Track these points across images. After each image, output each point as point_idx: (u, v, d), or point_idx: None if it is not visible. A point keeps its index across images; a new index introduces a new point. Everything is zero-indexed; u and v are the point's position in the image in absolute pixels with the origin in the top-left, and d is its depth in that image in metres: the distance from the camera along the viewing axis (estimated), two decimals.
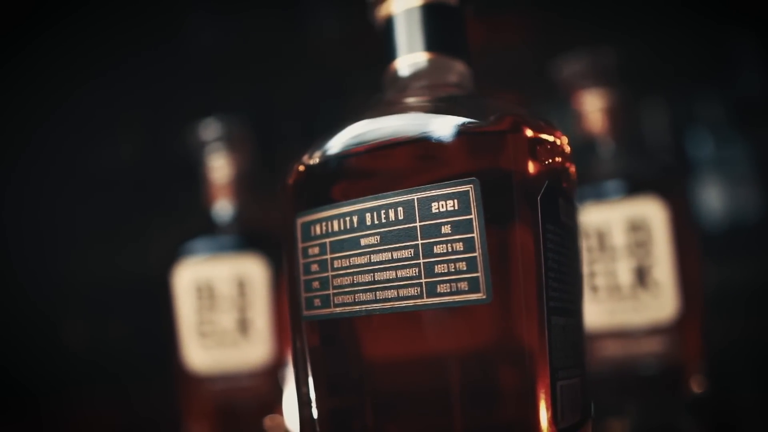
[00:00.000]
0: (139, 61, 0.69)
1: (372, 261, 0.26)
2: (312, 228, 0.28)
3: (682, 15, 0.68)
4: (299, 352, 0.28)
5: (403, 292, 0.25)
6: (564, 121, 0.54)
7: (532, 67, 0.64)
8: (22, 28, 0.66)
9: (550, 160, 0.26)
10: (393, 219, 0.25)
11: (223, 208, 0.54)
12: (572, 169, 0.29)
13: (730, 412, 0.49)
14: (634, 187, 0.48)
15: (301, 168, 0.29)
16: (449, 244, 0.24)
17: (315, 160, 0.28)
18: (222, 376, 0.50)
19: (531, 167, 0.25)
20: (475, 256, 0.24)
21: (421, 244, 0.25)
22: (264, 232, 0.53)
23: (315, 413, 0.27)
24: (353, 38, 0.68)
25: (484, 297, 0.24)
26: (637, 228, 0.47)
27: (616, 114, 0.51)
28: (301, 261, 0.28)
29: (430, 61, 0.31)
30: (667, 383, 0.46)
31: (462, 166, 0.25)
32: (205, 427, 0.50)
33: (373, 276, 0.26)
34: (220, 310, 0.50)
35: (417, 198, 0.25)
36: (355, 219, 0.26)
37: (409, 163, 0.26)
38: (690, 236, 0.48)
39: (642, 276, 0.46)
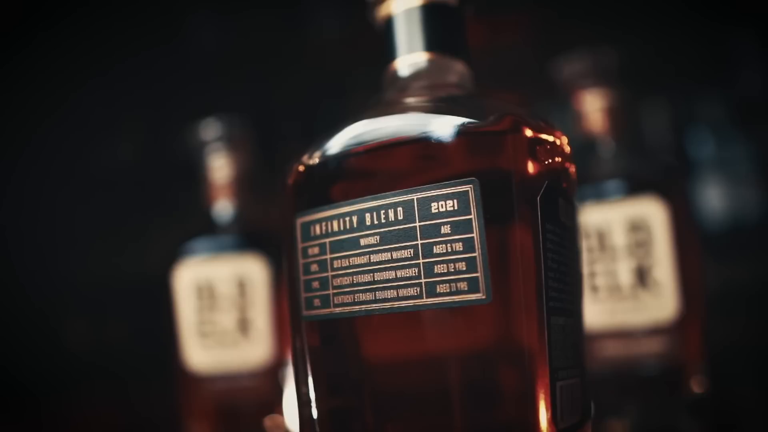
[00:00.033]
0: (140, 61, 0.69)
1: (372, 261, 0.26)
2: (312, 228, 0.27)
3: (683, 14, 0.68)
4: (299, 352, 0.28)
5: (402, 292, 0.25)
6: (564, 120, 0.54)
7: (532, 67, 0.64)
8: (22, 28, 0.66)
9: (550, 160, 0.26)
10: (393, 219, 0.25)
11: (223, 208, 0.54)
12: (572, 169, 0.29)
13: (730, 413, 0.49)
14: (635, 187, 0.48)
15: (301, 168, 0.29)
16: (449, 245, 0.24)
17: (315, 160, 0.28)
18: (222, 376, 0.50)
19: (530, 167, 0.25)
20: (475, 257, 0.24)
21: (421, 244, 0.25)
22: (264, 232, 0.53)
23: (315, 413, 0.27)
24: (354, 38, 0.68)
25: (483, 297, 0.24)
26: (637, 228, 0.47)
27: (616, 114, 0.51)
28: (301, 261, 0.28)
29: (430, 61, 0.30)
30: (667, 383, 0.46)
31: (461, 166, 0.25)
32: (206, 427, 0.50)
33: (373, 276, 0.26)
34: (220, 310, 0.50)
35: (416, 198, 0.25)
36: (354, 219, 0.26)
37: (408, 163, 0.26)
38: (690, 236, 0.48)
39: (642, 276, 0.46)
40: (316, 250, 0.27)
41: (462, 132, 0.25)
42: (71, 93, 0.68)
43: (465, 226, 0.24)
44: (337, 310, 0.26)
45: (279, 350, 0.50)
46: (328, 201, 0.27)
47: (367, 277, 0.26)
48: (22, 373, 0.64)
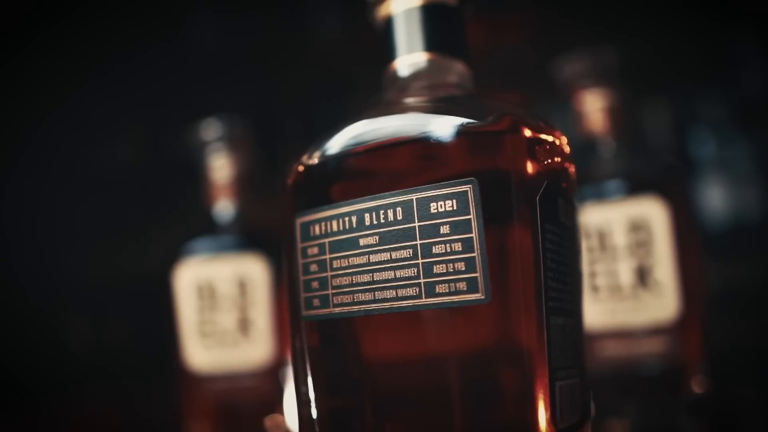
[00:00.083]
0: (140, 61, 0.69)
1: (371, 261, 0.26)
2: (311, 228, 0.27)
3: (684, 14, 0.68)
4: (298, 352, 0.28)
5: (401, 293, 0.25)
6: (565, 120, 0.54)
7: (533, 67, 0.64)
8: (22, 28, 0.66)
9: (549, 160, 0.26)
10: (392, 219, 0.25)
11: (224, 208, 0.54)
12: (572, 169, 0.28)
13: (731, 413, 0.49)
14: (635, 187, 0.48)
15: (301, 168, 0.29)
16: (448, 245, 0.24)
17: (314, 160, 0.28)
18: (223, 376, 0.50)
19: (530, 167, 0.25)
20: (474, 257, 0.24)
21: (420, 244, 0.25)
22: (265, 232, 0.53)
23: (314, 413, 0.27)
24: (355, 38, 0.68)
25: (482, 297, 0.24)
26: (638, 228, 0.47)
27: (617, 114, 0.51)
28: (301, 261, 0.28)
29: (430, 62, 0.30)
30: (668, 383, 0.46)
31: (461, 167, 0.25)
32: (206, 427, 0.50)
33: (372, 276, 0.26)
34: (220, 309, 0.50)
35: (416, 198, 0.25)
36: (354, 219, 0.26)
37: (407, 163, 0.26)
38: (691, 236, 0.48)
39: (643, 276, 0.46)
40: (315, 250, 0.27)
41: (461, 132, 0.25)
42: (71, 93, 0.68)
43: (464, 226, 0.24)
44: (337, 310, 0.26)
45: (279, 350, 0.50)
46: (328, 201, 0.27)
47: (366, 277, 0.26)
48: (23, 373, 0.64)
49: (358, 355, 0.27)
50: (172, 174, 0.72)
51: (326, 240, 0.27)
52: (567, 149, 0.28)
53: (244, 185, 0.55)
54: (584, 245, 0.47)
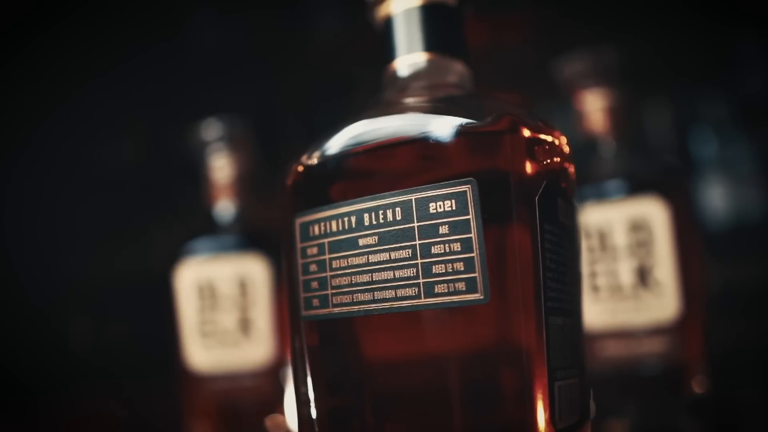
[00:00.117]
0: (141, 61, 0.69)
1: (370, 261, 0.26)
2: (311, 228, 0.27)
3: (685, 14, 0.68)
4: (298, 352, 0.28)
5: (401, 293, 0.25)
6: (565, 120, 0.54)
7: (533, 67, 0.64)
8: (22, 28, 0.66)
9: (549, 161, 0.26)
10: (391, 219, 0.25)
11: (224, 208, 0.54)
12: (571, 169, 0.28)
13: (731, 413, 0.49)
14: (636, 187, 0.48)
15: (300, 168, 0.29)
16: (447, 245, 0.24)
17: (314, 160, 0.28)
18: (223, 376, 0.50)
19: (529, 167, 0.25)
20: (473, 257, 0.24)
21: (419, 244, 0.25)
22: (265, 231, 0.53)
23: (314, 413, 0.27)
24: (355, 38, 0.68)
25: (481, 297, 0.24)
26: (638, 228, 0.47)
27: (618, 113, 0.51)
28: (300, 261, 0.28)
29: (429, 62, 0.30)
30: (668, 384, 0.46)
31: (460, 167, 0.25)
32: (207, 427, 0.50)
33: (371, 276, 0.26)
34: (221, 309, 0.50)
35: (415, 198, 0.25)
36: (353, 219, 0.26)
37: (407, 163, 0.26)
38: (692, 236, 0.48)
39: (643, 276, 0.46)
40: (314, 250, 0.27)
41: (460, 132, 0.25)
42: (72, 93, 0.68)
43: (463, 227, 0.24)
44: (336, 310, 0.26)
45: (280, 350, 0.50)
46: (327, 201, 0.27)
47: (365, 278, 0.26)
48: (24, 373, 0.64)
49: (358, 355, 0.27)
50: (173, 174, 0.72)
51: (326, 240, 0.27)
52: (566, 149, 0.28)
53: (245, 185, 0.55)
54: (585, 245, 0.47)
